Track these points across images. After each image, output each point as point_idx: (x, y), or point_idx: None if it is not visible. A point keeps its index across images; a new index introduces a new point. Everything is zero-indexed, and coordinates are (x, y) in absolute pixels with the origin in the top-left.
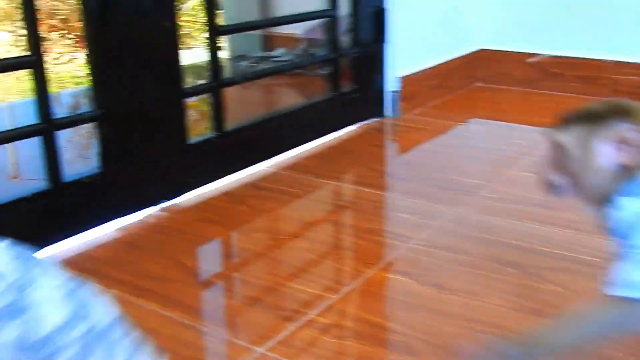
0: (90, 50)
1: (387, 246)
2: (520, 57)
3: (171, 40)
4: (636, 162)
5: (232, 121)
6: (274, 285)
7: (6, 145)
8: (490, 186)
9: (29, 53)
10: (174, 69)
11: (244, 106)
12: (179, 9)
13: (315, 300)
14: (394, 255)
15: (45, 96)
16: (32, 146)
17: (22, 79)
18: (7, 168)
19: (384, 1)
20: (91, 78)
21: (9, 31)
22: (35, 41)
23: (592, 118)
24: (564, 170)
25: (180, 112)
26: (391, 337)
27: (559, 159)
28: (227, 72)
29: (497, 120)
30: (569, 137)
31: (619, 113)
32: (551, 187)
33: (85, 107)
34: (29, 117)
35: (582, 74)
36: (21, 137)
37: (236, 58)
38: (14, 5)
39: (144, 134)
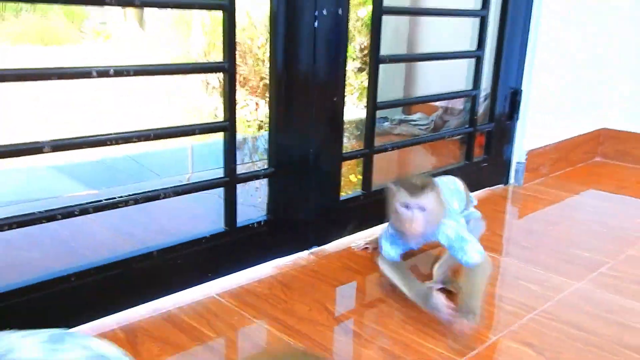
0: (271, 114)
1: (510, 314)
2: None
3: (338, 112)
4: None
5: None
6: (404, 340)
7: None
8: (611, 264)
9: (222, 119)
10: (337, 137)
11: (388, 166)
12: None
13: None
14: (517, 325)
15: (233, 154)
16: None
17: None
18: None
19: (520, 82)
20: (269, 137)
21: None
22: (231, 108)
23: None
24: None
25: (337, 171)
26: None
27: None
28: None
29: (619, 194)
30: None
31: None
32: None
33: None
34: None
35: None
36: (208, 188)
37: (380, 119)
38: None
39: (307, 188)
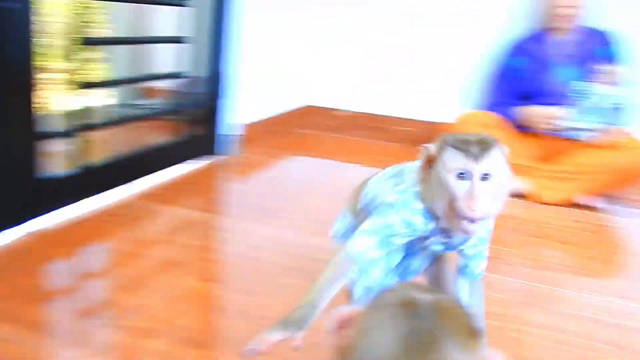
0: None
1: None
2: (333, 112)
3: (26, 95)
4: None
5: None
6: (111, 299)
7: None
8: (289, 210)
9: None
10: (27, 118)
11: (114, 143)
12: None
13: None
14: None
15: None
16: None
17: None
18: None
19: (226, 65)
20: None
21: None
22: None
23: None
24: None
25: (30, 151)
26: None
27: None
28: (110, 116)
29: (316, 157)
30: None
31: None
32: None
33: None
34: None
35: (374, 125)
36: None
37: (121, 105)
38: None
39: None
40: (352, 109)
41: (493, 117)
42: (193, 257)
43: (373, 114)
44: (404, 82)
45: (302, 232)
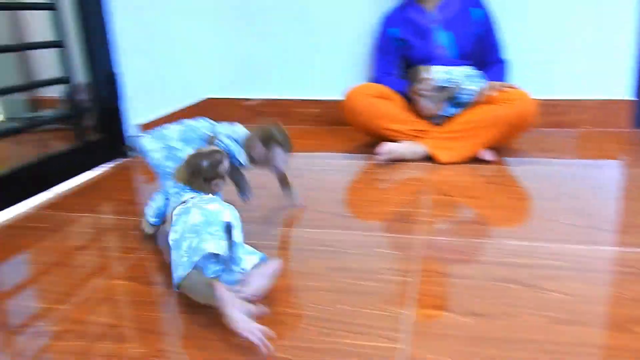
0: None
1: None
2: (236, 102)
3: None
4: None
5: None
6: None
7: None
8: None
9: None
10: None
11: (8, 158)
12: None
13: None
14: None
15: None
16: None
17: None
18: None
19: (116, 66)
20: None
21: None
22: None
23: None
24: None
25: None
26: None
27: None
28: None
29: None
30: None
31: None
32: None
33: None
34: None
35: (279, 110)
36: None
37: (9, 119)
38: None
39: None
40: (253, 97)
41: (380, 88)
42: (115, 259)
43: (278, 100)
44: (300, 63)
45: None
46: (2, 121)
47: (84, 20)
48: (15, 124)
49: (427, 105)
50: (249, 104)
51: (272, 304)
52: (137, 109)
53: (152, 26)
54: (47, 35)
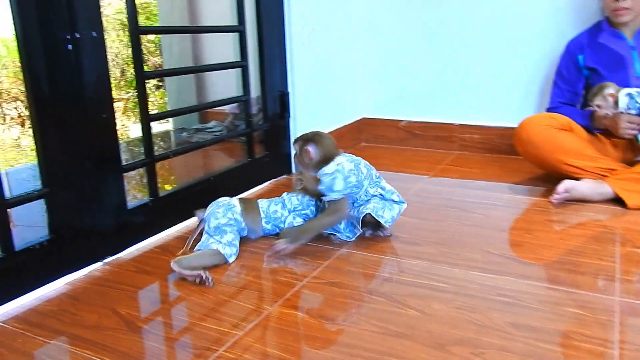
0: (35, 135)
1: (284, 284)
2: (392, 123)
3: (110, 127)
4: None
5: (175, 181)
6: (191, 326)
7: None
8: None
9: None
10: (113, 150)
11: (185, 169)
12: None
13: (224, 337)
14: (290, 293)
15: None
16: None
17: None
18: None
19: (286, 85)
20: (37, 159)
21: None
22: None
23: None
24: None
25: (119, 182)
26: None
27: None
28: (169, 142)
29: (378, 170)
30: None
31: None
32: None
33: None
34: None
35: (437, 134)
36: None
37: (178, 130)
38: None
39: (88, 203)
40: (411, 119)
41: (562, 119)
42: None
43: (436, 123)
44: (464, 88)
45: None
46: (179, 130)
47: (262, 43)
48: (201, 137)
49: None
50: (402, 125)
51: (451, 355)
52: (299, 128)
53: (320, 47)
54: (219, 57)
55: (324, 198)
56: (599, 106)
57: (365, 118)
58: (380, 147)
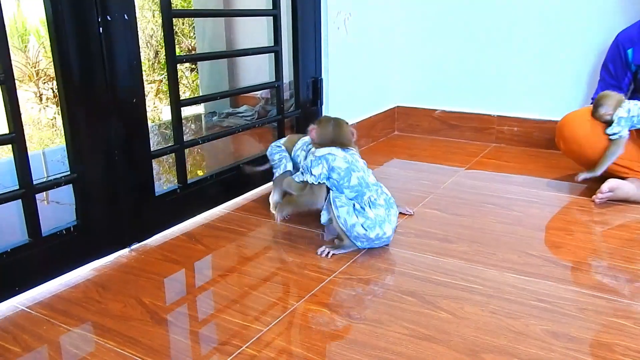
0: (64, 119)
1: (312, 279)
2: (427, 112)
3: (140, 112)
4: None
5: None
6: (216, 320)
7: None
8: (401, 223)
9: (8, 132)
10: (143, 135)
11: (214, 154)
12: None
13: (247, 332)
14: (317, 288)
15: (26, 165)
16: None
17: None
18: None
19: (320, 72)
20: (66, 144)
21: None
22: (15, 120)
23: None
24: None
25: (148, 168)
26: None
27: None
28: (200, 126)
29: (412, 161)
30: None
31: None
32: None
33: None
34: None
35: (474, 125)
36: (2, 201)
37: (209, 114)
38: None
39: (116, 188)
40: (447, 108)
41: None
42: (296, 275)
43: (473, 113)
44: (504, 78)
45: (421, 250)
46: (210, 114)
47: (297, 28)
48: (233, 122)
49: None
50: (437, 114)
51: None
52: (332, 114)
53: (356, 33)
54: (253, 41)
55: (299, 172)
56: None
57: (399, 106)
58: (414, 137)
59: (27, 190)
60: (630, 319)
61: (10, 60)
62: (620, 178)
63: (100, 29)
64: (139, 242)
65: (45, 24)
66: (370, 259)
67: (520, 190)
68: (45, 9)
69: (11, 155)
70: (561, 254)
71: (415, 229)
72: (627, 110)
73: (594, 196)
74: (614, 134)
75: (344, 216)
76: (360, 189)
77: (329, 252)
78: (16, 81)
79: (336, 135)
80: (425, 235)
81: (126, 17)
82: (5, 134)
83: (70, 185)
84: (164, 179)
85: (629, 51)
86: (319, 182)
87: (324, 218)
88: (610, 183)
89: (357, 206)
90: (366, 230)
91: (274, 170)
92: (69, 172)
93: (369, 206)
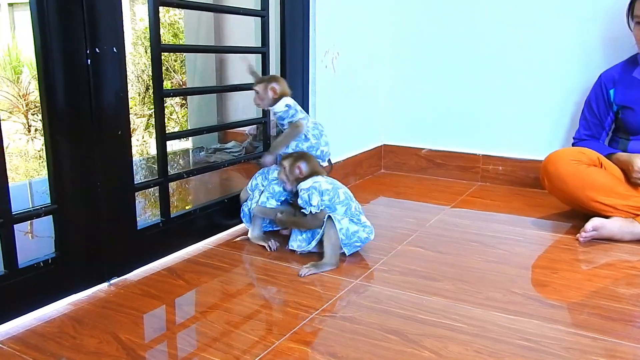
0: (47, 150)
1: (293, 316)
2: (413, 151)
3: (125, 144)
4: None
5: (186, 201)
6: (191, 357)
7: None
8: (383, 259)
9: None
10: (127, 168)
11: (200, 188)
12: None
13: None
14: (299, 326)
15: (6, 194)
16: None
17: None
18: None
19: (307, 109)
20: (48, 175)
21: None
22: None
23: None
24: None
25: (130, 201)
26: None
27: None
28: (187, 162)
29: (398, 198)
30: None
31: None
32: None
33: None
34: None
35: (459, 164)
36: None
37: (197, 149)
38: None
39: (97, 221)
40: (433, 147)
41: (592, 155)
42: (279, 313)
43: (459, 152)
44: (489, 118)
45: (395, 286)
46: (197, 148)
47: (285, 65)
48: (219, 157)
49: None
50: (423, 153)
51: None
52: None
53: (343, 72)
54: (243, 77)
55: (303, 210)
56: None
57: (386, 144)
58: (400, 175)
59: (5, 220)
60: (616, 358)
61: None
62: (604, 217)
63: (89, 60)
64: (118, 277)
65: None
66: (354, 295)
67: (505, 229)
68: (34, 37)
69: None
70: (546, 292)
71: (399, 267)
72: None
73: (578, 235)
74: None
75: (346, 226)
76: (348, 202)
77: (307, 272)
78: (5, 112)
79: (315, 165)
80: (409, 273)
81: (115, 50)
82: None
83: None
84: (149, 213)
85: (611, 91)
86: (321, 209)
87: (304, 245)
88: (594, 222)
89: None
90: (368, 235)
91: (249, 202)
92: (49, 203)
93: (360, 213)
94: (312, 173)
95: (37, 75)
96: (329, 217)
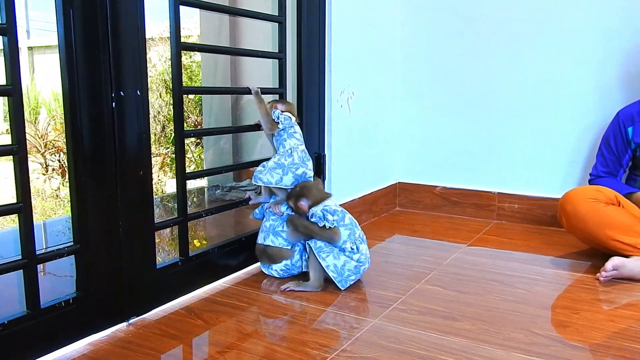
0: (71, 190)
1: (313, 357)
2: (428, 189)
3: (146, 184)
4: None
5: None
6: None
7: None
8: (402, 299)
9: (15, 201)
10: (147, 208)
11: (217, 227)
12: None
13: None
14: None
15: (30, 235)
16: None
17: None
18: None
19: (323, 148)
20: (71, 215)
21: None
22: (23, 190)
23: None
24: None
25: (150, 241)
26: None
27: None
28: (203, 199)
29: (414, 237)
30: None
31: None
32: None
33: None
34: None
35: (475, 201)
36: (4, 271)
37: (212, 187)
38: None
39: (118, 261)
40: (448, 185)
41: (610, 194)
42: (293, 352)
43: (474, 190)
44: (504, 156)
45: (412, 325)
46: (212, 187)
47: (302, 105)
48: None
49: None
50: (440, 191)
51: None
52: (334, 189)
53: (358, 111)
54: (256, 117)
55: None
56: None
57: (400, 182)
58: (415, 213)
59: (29, 260)
60: None
61: (24, 131)
62: (624, 256)
63: (113, 103)
64: (137, 316)
65: (58, 97)
66: (373, 336)
67: (523, 268)
68: (62, 81)
69: (9, 225)
70: (568, 333)
71: (418, 306)
72: None
73: (598, 274)
74: None
75: (332, 263)
76: (352, 227)
77: (287, 287)
78: None
79: (321, 189)
80: (428, 313)
81: (138, 92)
82: (13, 204)
83: (71, 256)
84: (160, 251)
85: (629, 129)
86: (334, 226)
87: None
88: (615, 261)
89: (349, 247)
90: (358, 264)
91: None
92: (71, 243)
93: (361, 242)
94: (320, 200)
95: (63, 117)
96: (312, 250)
